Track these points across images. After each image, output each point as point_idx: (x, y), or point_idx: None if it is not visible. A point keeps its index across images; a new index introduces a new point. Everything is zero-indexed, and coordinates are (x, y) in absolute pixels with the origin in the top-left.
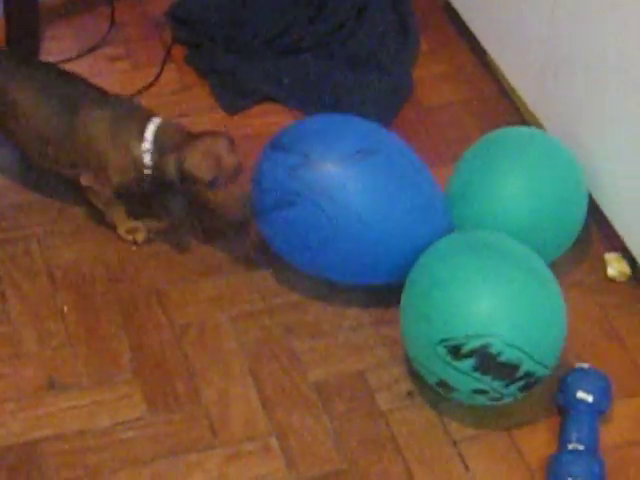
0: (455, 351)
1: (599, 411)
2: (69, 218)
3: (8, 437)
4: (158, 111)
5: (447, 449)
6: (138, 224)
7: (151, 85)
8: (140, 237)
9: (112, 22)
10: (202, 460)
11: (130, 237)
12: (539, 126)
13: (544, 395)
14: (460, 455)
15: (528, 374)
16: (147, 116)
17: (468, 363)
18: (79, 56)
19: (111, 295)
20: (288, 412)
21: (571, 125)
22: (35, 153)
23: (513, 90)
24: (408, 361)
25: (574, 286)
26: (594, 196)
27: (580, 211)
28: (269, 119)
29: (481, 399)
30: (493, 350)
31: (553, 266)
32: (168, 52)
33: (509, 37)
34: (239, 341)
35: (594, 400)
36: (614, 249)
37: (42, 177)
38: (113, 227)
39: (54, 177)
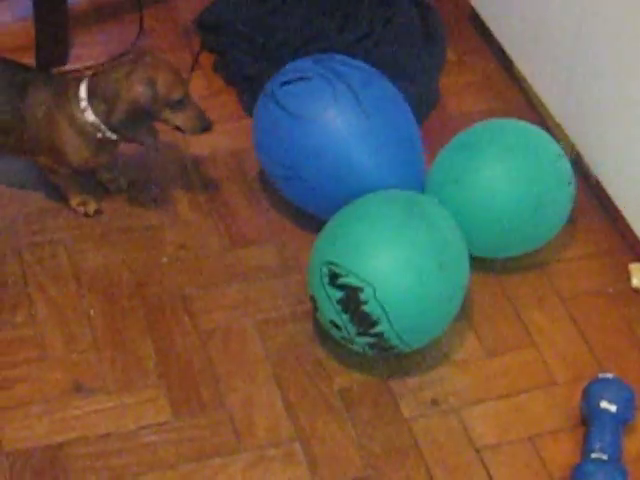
0: (333, 277)
1: (623, 421)
2: (96, 223)
3: (33, 439)
4: None
5: (470, 457)
6: (88, 197)
7: None
8: (91, 209)
9: (141, 29)
10: (226, 465)
11: (82, 209)
12: (565, 137)
13: (568, 404)
14: (483, 463)
15: (382, 337)
16: (78, 79)
17: (337, 294)
18: (108, 62)
19: (137, 300)
20: (312, 418)
21: (596, 136)
22: None
23: (539, 101)
24: (432, 369)
25: (598, 296)
26: (619, 206)
27: (561, 190)
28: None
29: (336, 333)
30: (362, 296)
31: (577, 275)
32: (196, 59)
33: (536, 48)
34: (264, 347)
35: (618, 410)
36: (639, 260)
37: None
38: (65, 199)
39: (83, 183)
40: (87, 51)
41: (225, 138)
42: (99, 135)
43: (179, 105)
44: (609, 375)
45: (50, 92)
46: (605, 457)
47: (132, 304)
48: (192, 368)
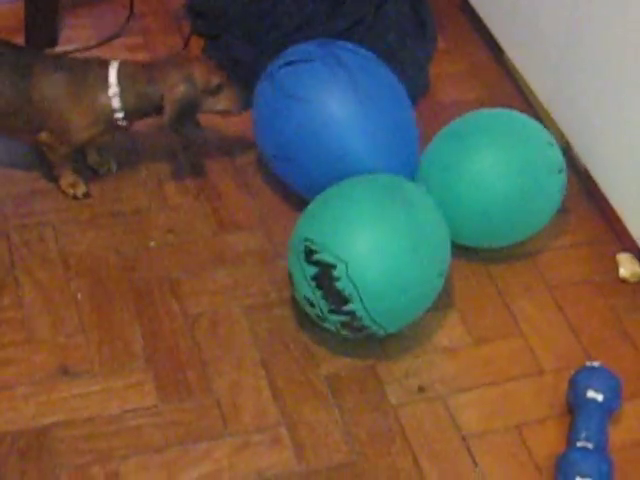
0: (308, 254)
1: (609, 410)
2: (85, 206)
3: (20, 421)
4: None
5: (456, 444)
6: (79, 179)
7: None
8: (80, 191)
9: (131, 12)
10: (212, 449)
11: (71, 191)
12: (555, 126)
13: (554, 393)
14: (469, 450)
15: (354, 316)
16: (103, 64)
17: (311, 270)
18: (98, 45)
19: (125, 283)
20: (299, 404)
21: (585, 126)
22: None
23: (529, 90)
24: (420, 356)
25: (585, 285)
26: (607, 196)
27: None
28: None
29: (310, 310)
30: (335, 273)
31: (565, 265)
32: (186, 43)
33: (526, 36)
34: (251, 332)
35: (604, 399)
36: (626, 250)
37: None
38: (57, 179)
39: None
40: (77, 33)
41: (213, 122)
42: (117, 122)
43: (219, 90)
44: (596, 364)
45: (65, 75)
46: (591, 446)
47: (120, 288)
48: (179, 352)
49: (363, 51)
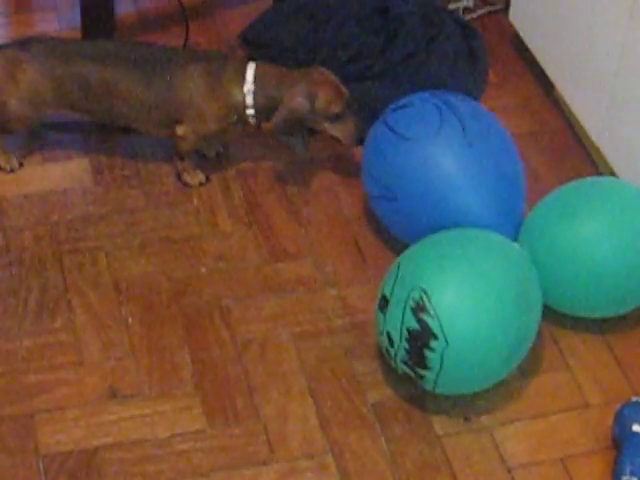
0: (420, 308)
1: None
2: (137, 232)
3: (69, 443)
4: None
5: (501, 476)
6: (197, 170)
7: None
8: (197, 180)
9: (186, 42)
10: (258, 475)
11: (193, 181)
12: (603, 162)
13: (600, 427)
14: None
15: (421, 378)
16: (242, 61)
17: (413, 323)
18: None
19: (175, 309)
20: (345, 432)
21: (635, 161)
22: (136, 122)
23: (579, 124)
24: None
25: (631, 318)
26: None
27: None
28: (335, 143)
29: (383, 341)
30: (432, 344)
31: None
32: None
33: (577, 72)
34: (300, 360)
35: None
36: None
37: (112, 190)
38: (181, 171)
39: (124, 190)
40: None
41: (266, 154)
42: (247, 118)
43: (337, 118)
44: None
45: (203, 67)
46: None
47: (170, 313)
48: (228, 378)
49: (473, 101)
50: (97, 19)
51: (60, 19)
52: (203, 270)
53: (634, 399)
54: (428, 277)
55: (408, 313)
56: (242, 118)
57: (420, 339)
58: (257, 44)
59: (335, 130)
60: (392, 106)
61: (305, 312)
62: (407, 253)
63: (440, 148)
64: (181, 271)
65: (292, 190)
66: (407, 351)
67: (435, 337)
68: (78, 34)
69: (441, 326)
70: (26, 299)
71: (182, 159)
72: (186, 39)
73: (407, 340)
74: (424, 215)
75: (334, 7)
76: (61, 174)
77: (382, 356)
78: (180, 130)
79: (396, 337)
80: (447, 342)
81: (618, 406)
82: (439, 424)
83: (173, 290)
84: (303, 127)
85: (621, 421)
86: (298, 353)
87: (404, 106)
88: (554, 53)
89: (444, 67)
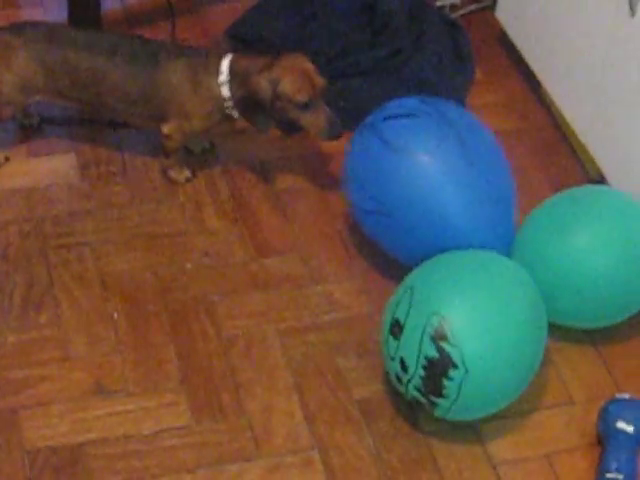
0: (439, 336)
1: (639, 441)
2: (123, 228)
3: (55, 438)
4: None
5: (486, 472)
6: (183, 166)
7: None
8: (183, 177)
9: (172, 38)
10: (244, 471)
11: (178, 177)
12: (590, 159)
13: (584, 423)
14: (499, 479)
15: (434, 405)
16: (220, 54)
17: (431, 351)
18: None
19: (161, 304)
20: (331, 428)
21: (621, 158)
22: (124, 114)
23: (565, 122)
24: None
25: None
26: None
27: None
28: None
29: (393, 367)
30: (451, 373)
31: None
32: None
33: (564, 69)
34: (285, 356)
35: (635, 430)
36: None
37: (98, 186)
38: (167, 168)
39: (110, 186)
40: None
41: (251, 148)
42: (226, 110)
43: (307, 108)
44: (626, 395)
45: (185, 62)
46: (621, 477)
47: (156, 309)
48: (213, 374)
49: (464, 110)
50: (83, 15)
51: (46, 15)
52: (189, 266)
53: (618, 396)
54: (447, 303)
55: (426, 341)
56: (225, 113)
57: (439, 368)
58: (244, 40)
59: (305, 120)
60: (379, 114)
61: (291, 308)
62: (419, 276)
63: (440, 164)
64: (167, 267)
65: (278, 187)
66: (423, 379)
67: (455, 366)
68: None
69: (462, 354)
70: (11, 294)
71: (168, 156)
72: (172, 35)
73: (424, 368)
74: (420, 232)
75: (321, 3)
76: (47, 169)
77: (367, 352)
78: (165, 128)
79: (412, 364)
80: (467, 370)
81: (602, 403)
82: (425, 421)
83: (159, 286)
84: (265, 110)
85: (606, 418)
86: (284, 349)
87: (396, 116)
88: (541, 50)
89: (431, 64)
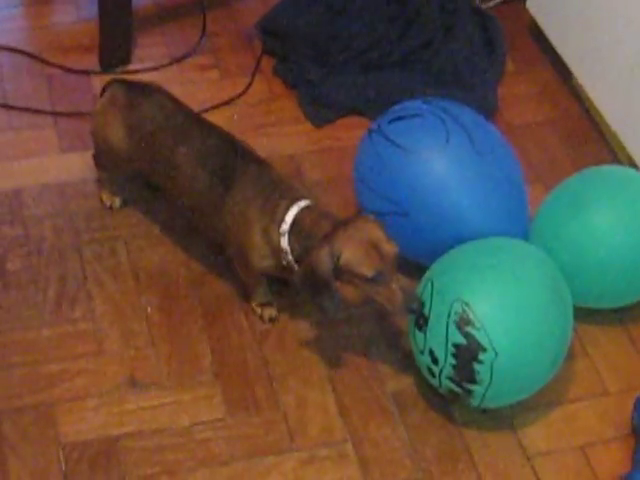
0: (464, 321)
1: None
2: (155, 222)
3: (90, 431)
4: (246, 122)
5: (520, 463)
6: (270, 302)
7: (241, 95)
8: (267, 315)
9: (203, 32)
10: (278, 463)
11: (258, 311)
12: (622, 148)
13: (619, 414)
14: (533, 470)
15: (469, 394)
16: (295, 198)
17: (458, 338)
18: (170, 64)
19: (194, 298)
20: (365, 420)
21: None
22: (184, 211)
23: (597, 112)
24: None
25: None
26: None
27: None
28: (355, 132)
29: (424, 361)
30: (481, 356)
31: None
32: (257, 63)
33: (596, 59)
34: (319, 348)
35: None
36: None
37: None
38: (247, 296)
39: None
40: (149, 53)
41: (283, 141)
42: (283, 262)
43: (376, 281)
44: None
45: (260, 194)
46: None
47: (189, 302)
48: (247, 367)
49: (468, 108)
50: (115, 10)
51: (78, 10)
52: (222, 259)
53: None
54: (468, 289)
55: (452, 328)
56: (281, 263)
57: (468, 353)
58: (274, 33)
59: (376, 295)
60: (385, 117)
61: None
62: (436, 268)
63: (450, 159)
64: (200, 260)
65: (308, 180)
66: (454, 367)
67: (483, 349)
68: (96, 25)
69: (488, 337)
70: (45, 289)
71: (245, 284)
72: (203, 28)
73: (454, 355)
74: (438, 228)
75: None
76: (80, 164)
77: (401, 345)
78: (229, 252)
79: (441, 354)
80: (496, 353)
81: (637, 394)
82: (458, 412)
83: (192, 279)
84: (331, 287)
85: None
86: (317, 342)
87: (401, 118)
88: (572, 41)
89: (462, 55)
